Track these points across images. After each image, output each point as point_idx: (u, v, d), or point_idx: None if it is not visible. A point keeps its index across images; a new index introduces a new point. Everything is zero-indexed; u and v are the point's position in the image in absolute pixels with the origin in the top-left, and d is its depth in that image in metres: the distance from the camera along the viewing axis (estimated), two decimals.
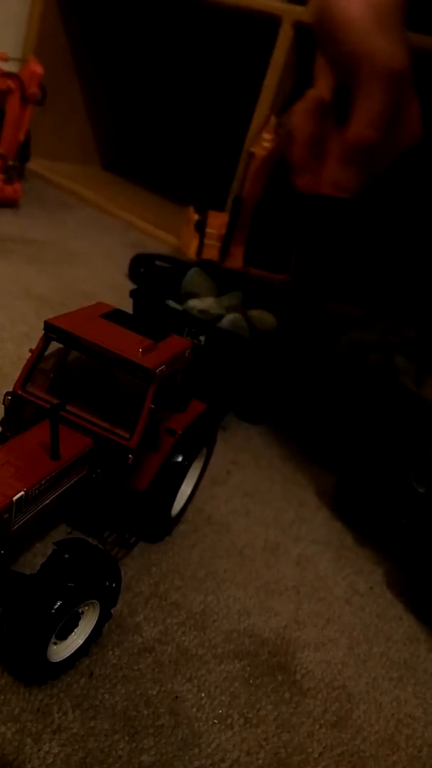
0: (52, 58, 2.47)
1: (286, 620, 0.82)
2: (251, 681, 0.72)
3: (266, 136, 1.60)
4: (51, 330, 0.75)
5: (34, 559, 0.77)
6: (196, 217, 1.87)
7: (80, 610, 0.65)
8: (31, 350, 0.77)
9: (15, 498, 0.63)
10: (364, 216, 2.54)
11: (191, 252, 1.86)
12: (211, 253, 1.84)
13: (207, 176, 2.71)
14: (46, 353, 0.77)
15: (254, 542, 0.93)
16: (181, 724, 0.65)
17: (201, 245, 1.86)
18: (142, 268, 1.81)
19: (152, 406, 0.74)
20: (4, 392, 0.77)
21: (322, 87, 0.90)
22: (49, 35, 2.51)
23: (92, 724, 0.62)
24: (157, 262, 1.80)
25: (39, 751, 0.58)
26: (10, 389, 0.77)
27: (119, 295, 1.59)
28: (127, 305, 1.09)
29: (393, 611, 0.89)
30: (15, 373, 0.78)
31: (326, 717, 0.71)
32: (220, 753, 0.64)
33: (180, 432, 0.82)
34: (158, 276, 1.63)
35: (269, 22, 1.94)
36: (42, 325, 0.76)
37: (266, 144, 1.60)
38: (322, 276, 1.79)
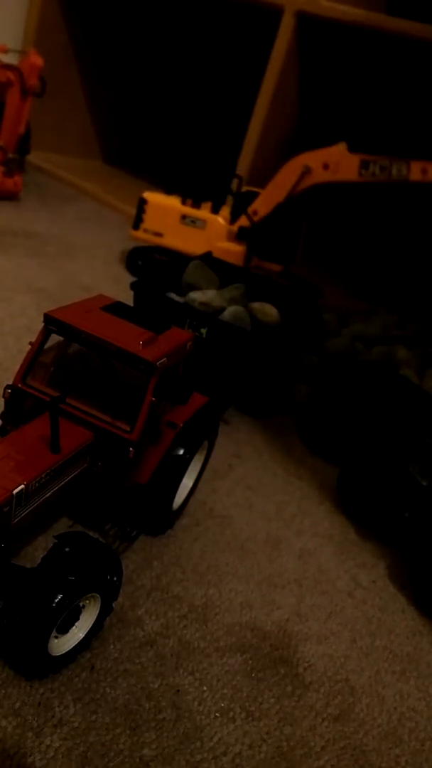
0: (52, 50, 2.45)
1: (288, 613, 0.81)
2: (253, 674, 0.72)
3: (332, 159, 1.51)
4: (51, 322, 0.75)
5: (35, 552, 0.76)
6: (241, 224, 1.66)
7: (81, 604, 0.64)
8: (31, 343, 0.77)
9: (15, 491, 0.62)
10: (370, 210, 2.54)
11: (239, 261, 1.66)
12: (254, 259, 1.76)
13: (207, 169, 2.70)
14: (46, 346, 0.77)
15: (256, 535, 0.93)
16: (183, 717, 0.65)
17: (250, 253, 1.66)
18: (140, 260, 1.79)
19: (153, 399, 0.73)
20: (4, 385, 0.76)
21: None
22: (50, 27, 2.49)
23: (93, 717, 0.62)
24: (156, 255, 1.78)
25: (40, 744, 0.58)
26: (11, 382, 0.76)
27: (120, 287, 1.59)
28: (128, 298, 1.09)
29: (396, 604, 0.89)
30: (15, 366, 0.78)
31: (329, 710, 0.71)
32: (222, 746, 0.63)
33: (181, 425, 0.81)
34: (158, 268, 1.60)
35: (271, 12, 1.93)
36: (42, 318, 0.75)
37: (333, 169, 1.51)
38: None
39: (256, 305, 1.28)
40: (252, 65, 2.22)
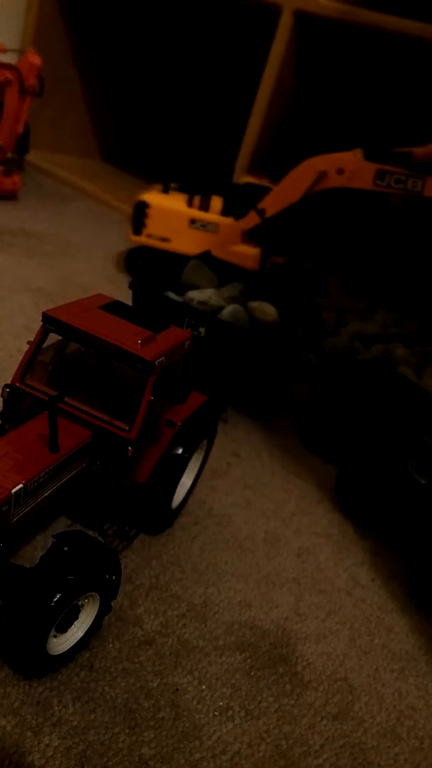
0: (50, 50, 2.45)
1: (287, 612, 0.81)
2: (252, 673, 0.72)
3: (348, 166, 1.50)
4: (49, 321, 0.75)
5: (34, 551, 0.76)
6: (251, 223, 1.61)
7: (80, 603, 0.64)
8: (29, 342, 0.77)
9: (14, 491, 0.62)
10: (368, 208, 2.54)
11: (255, 263, 1.62)
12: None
13: (206, 167, 2.70)
14: (45, 345, 0.77)
15: (255, 534, 0.93)
16: (182, 716, 0.65)
17: (266, 255, 1.62)
18: (140, 261, 1.73)
19: (151, 397, 0.73)
20: (3, 385, 0.76)
21: None
22: (48, 26, 2.49)
23: (92, 716, 0.62)
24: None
25: (39, 743, 0.58)
26: (9, 382, 0.76)
27: (118, 286, 1.59)
28: (126, 297, 1.08)
29: (394, 603, 0.89)
30: (14, 365, 0.78)
31: (327, 709, 0.71)
32: (221, 745, 0.63)
33: (180, 424, 0.81)
34: (158, 267, 1.58)
35: (269, 11, 1.93)
36: (41, 317, 0.75)
37: (348, 175, 1.49)
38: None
39: (254, 304, 1.27)
40: (251, 63, 2.22)
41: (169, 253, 1.68)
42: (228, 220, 1.65)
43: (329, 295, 1.60)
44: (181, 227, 1.67)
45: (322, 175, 1.48)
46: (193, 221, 1.66)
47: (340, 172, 1.48)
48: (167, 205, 1.68)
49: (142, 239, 1.71)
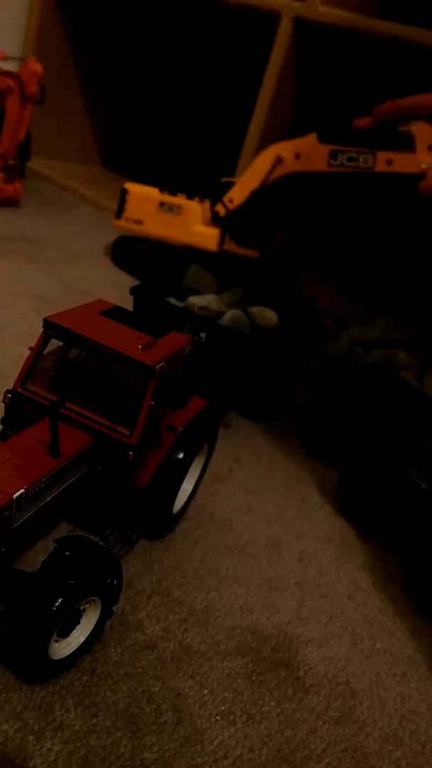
0: (51, 57, 2.47)
1: (289, 617, 0.82)
2: (254, 677, 0.72)
3: (304, 149, 1.54)
4: (50, 327, 0.75)
5: (36, 556, 0.77)
6: (220, 210, 1.70)
7: (82, 608, 0.64)
8: (31, 348, 0.77)
9: (15, 496, 0.62)
10: (368, 214, 2.54)
11: (213, 244, 1.73)
12: (230, 243, 1.78)
13: (207, 173, 2.71)
14: (46, 351, 0.77)
15: (256, 539, 0.93)
16: (184, 720, 0.65)
17: (223, 237, 1.74)
18: (124, 250, 1.83)
19: (152, 402, 0.73)
20: (5, 390, 0.77)
21: None
22: (49, 34, 2.50)
23: (94, 721, 0.62)
24: (140, 245, 1.81)
25: (41, 748, 0.58)
26: (11, 387, 0.76)
27: (119, 292, 1.59)
28: (127, 303, 1.09)
29: (396, 607, 0.89)
30: (15, 371, 0.78)
31: (329, 713, 0.71)
32: (223, 750, 0.63)
33: (181, 429, 0.81)
34: (142, 257, 1.63)
35: (268, 18, 1.94)
36: (42, 324, 0.76)
37: (304, 159, 1.54)
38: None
39: (255, 309, 1.28)
40: (250, 70, 2.23)
41: (149, 241, 1.80)
42: (192, 203, 1.75)
43: (302, 293, 1.64)
44: (152, 210, 1.79)
45: (279, 160, 1.53)
46: (161, 204, 1.77)
47: (297, 156, 1.53)
48: (141, 191, 1.81)
49: (122, 223, 1.83)
